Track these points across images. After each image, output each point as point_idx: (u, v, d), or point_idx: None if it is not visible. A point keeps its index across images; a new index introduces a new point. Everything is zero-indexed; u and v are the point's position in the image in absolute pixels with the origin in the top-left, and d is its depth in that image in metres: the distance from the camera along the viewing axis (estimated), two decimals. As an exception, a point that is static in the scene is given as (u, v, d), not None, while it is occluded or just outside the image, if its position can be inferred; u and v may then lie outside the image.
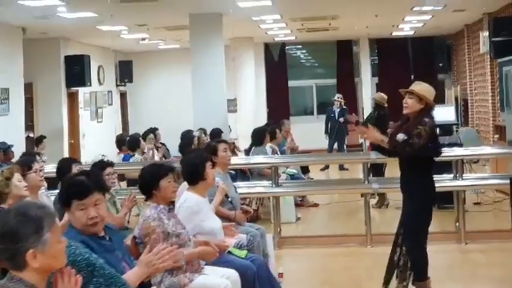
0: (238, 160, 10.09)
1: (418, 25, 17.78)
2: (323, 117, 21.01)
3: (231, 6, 12.67)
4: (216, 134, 12.65)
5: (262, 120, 18.66)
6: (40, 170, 5.75)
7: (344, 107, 16.82)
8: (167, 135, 14.48)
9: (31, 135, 15.19)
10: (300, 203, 11.81)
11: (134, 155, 10.60)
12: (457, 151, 8.95)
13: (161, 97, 20.89)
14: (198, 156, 5.84)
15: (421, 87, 6.01)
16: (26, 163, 5.65)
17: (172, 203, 5.22)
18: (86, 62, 16.26)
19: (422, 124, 5.76)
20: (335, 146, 16.84)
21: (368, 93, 20.78)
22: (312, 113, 22.47)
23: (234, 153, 12.48)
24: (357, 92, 21.69)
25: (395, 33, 19.67)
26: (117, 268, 3.60)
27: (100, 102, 18.89)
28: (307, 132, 20.63)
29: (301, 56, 23.70)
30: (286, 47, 22.04)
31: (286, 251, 8.63)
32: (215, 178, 6.06)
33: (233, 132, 17.75)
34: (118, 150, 11.35)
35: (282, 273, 6.96)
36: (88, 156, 16.16)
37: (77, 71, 16.08)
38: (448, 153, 8.15)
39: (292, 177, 11.53)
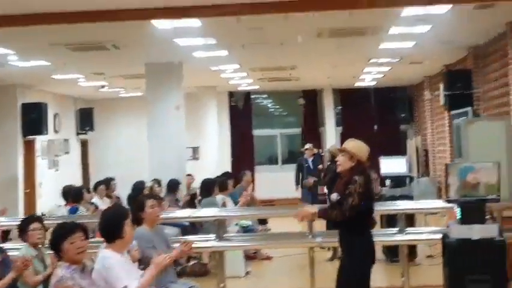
0: (183, 213, 9.91)
1: (378, 76, 17.89)
2: (288, 166, 21.03)
3: (188, 56, 12.64)
4: (173, 185, 12.50)
5: (226, 169, 18.53)
6: None
7: (320, 153, 16.55)
8: (128, 185, 14.23)
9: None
10: (253, 255, 11.64)
11: (78, 208, 10.37)
12: (396, 205, 8.89)
13: (123, 145, 20.72)
14: (117, 212, 5.62)
15: (353, 144, 5.95)
16: None
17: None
18: (43, 109, 16.09)
19: (352, 183, 5.68)
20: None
21: (332, 143, 20.76)
22: (276, 162, 22.38)
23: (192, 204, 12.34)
24: (322, 141, 21.67)
25: (358, 84, 19.77)
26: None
27: (57, 150, 18.63)
28: (272, 181, 20.59)
29: (267, 104, 23.71)
30: (252, 96, 22.05)
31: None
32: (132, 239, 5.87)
33: (196, 182, 17.58)
34: (65, 202, 11.11)
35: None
36: (44, 206, 15.91)
37: (33, 119, 15.88)
38: (388, 207, 8.09)
39: (246, 229, 11.37)
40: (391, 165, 13.08)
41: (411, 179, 14.70)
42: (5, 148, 15.95)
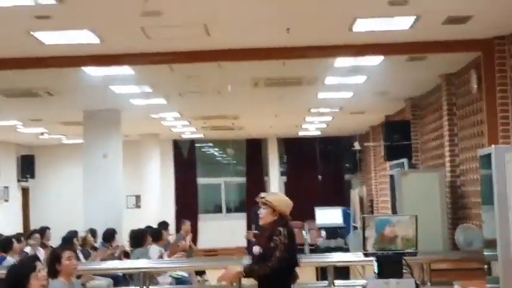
0: (111, 264, 9.69)
1: (322, 126, 17.99)
2: (233, 215, 20.93)
3: (125, 104, 12.54)
4: (109, 234, 12.22)
5: (169, 217, 18.29)
6: None
7: None
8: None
9: None
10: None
11: (6, 258, 10.04)
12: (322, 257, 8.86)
13: (64, 193, 20.31)
14: (23, 265, 5.39)
15: (275, 198, 5.87)
16: None
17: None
18: (-22, 156, 15.77)
19: (276, 234, 5.58)
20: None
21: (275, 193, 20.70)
22: (221, 211, 22.21)
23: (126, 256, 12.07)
24: (266, 191, 21.59)
25: (302, 133, 19.85)
26: None
27: (-5, 198, 18.25)
28: (216, 230, 20.45)
29: (213, 153, 23.64)
30: (196, 144, 21.97)
31: None
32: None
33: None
34: (-5, 252, 10.75)
35: None
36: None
37: (-32, 165, 15.56)
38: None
39: (178, 280, 11.15)
40: (326, 216, 13.03)
41: (349, 230, 14.68)
42: None
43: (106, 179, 13.22)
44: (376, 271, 5.95)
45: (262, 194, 5.84)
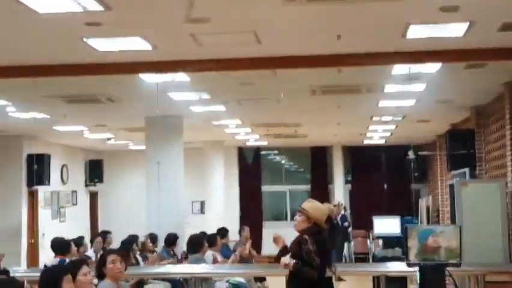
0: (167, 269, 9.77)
1: (386, 134, 17.79)
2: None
3: (186, 111, 12.67)
4: (171, 239, 12.32)
5: (233, 223, 18.40)
6: None
7: (343, 213, 16.12)
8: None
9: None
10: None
11: (65, 260, 10.26)
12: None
13: (131, 198, 20.65)
14: (56, 268, 5.53)
15: (311, 205, 5.87)
16: None
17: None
18: (46, 161, 16.22)
19: (303, 243, 5.60)
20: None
21: (340, 201, 20.56)
22: (285, 218, 22.18)
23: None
24: (330, 199, 21.47)
25: (366, 142, 19.67)
26: None
27: (63, 201, 18.70)
28: (281, 237, 20.35)
29: (276, 161, 23.65)
30: (261, 152, 22.05)
31: None
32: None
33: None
34: (54, 254, 11.01)
35: None
36: (46, 257, 15.83)
37: (37, 169, 15.99)
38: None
39: (236, 286, 11.18)
40: (384, 225, 12.87)
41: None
42: (9, 198, 16.02)
43: (167, 185, 13.35)
44: (418, 281, 5.85)
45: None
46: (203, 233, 11.78)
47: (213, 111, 12.78)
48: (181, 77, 9.43)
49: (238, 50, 7.89)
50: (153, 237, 12.68)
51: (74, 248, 10.67)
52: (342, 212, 16.26)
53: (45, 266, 11.54)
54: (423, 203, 19.19)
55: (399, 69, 9.35)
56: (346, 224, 15.63)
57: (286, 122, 15.11)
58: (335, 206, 16.31)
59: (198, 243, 10.67)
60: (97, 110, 12.25)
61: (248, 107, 12.43)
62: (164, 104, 11.93)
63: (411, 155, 17.57)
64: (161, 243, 12.47)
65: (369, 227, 14.72)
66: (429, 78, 10.01)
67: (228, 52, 7.99)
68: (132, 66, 8.36)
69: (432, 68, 9.27)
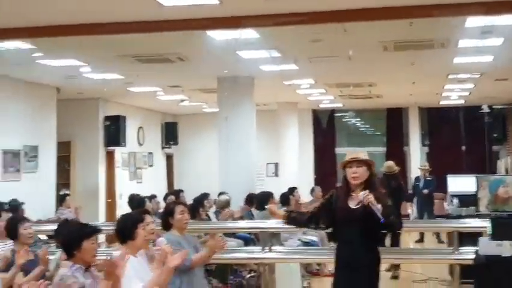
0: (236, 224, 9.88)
1: (464, 94, 17.32)
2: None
3: (257, 70, 12.63)
4: (250, 198, 12.35)
5: (307, 185, 18.37)
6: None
7: (428, 178, 15.72)
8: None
9: (67, 193, 15.29)
10: (316, 272, 11.45)
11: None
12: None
13: (206, 160, 20.83)
14: (131, 216, 5.72)
15: (364, 154, 5.78)
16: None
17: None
18: (122, 122, 16.50)
19: (382, 193, 5.49)
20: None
21: (416, 163, 20.22)
22: (360, 180, 21.94)
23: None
24: (406, 161, 21.16)
25: (443, 102, 19.23)
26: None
27: (140, 163, 19.04)
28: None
29: (351, 123, 23.42)
30: (336, 114, 21.87)
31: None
32: (162, 239, 5.87)
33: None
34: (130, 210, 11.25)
35: None
36: (123, 215, 16.20)
37: (113, 131, 16.31)
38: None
39: (307, 244, 11.21)
40: (459, 184, 12.56)
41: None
42: (88, 158, 16.40)
43: (239, 146, 13.41)
44: (489, 232, 5.68)
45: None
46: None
47: (284, 70, 12.68)
48: (250, 33, 9.37)
49: (309, 3, 7.76)
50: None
51: (148, 204, 10.93)
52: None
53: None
54: (501, 165, 18.69)
55: (474, 21, 9.03)
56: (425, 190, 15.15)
57: (360, 81, 14.90)
58: (421, 168, 15.99)
59: (267, 200, 10.72)
60: (169, 69, 12.32)
61: (319, 65, 12.28)
62: (234, 64, 11.96)
63: (485, 108, 17.06)
64: (233, 202, 12.54)
65: (446, 188, 14.40)
66: (507, 32, 9.65)
67: (299, 6, 7.87)
68: (198, 22, 8.32)
69: (509, 20, 8.92)
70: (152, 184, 19.31)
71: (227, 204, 12.24)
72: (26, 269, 6.05)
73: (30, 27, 8.55)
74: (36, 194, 13.24)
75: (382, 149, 21.51)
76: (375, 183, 5.58)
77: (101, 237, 14.61)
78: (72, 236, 4.97)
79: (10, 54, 10.28)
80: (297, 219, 6.15)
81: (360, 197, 5.38)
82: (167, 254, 5.85)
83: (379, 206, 5.31)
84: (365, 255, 5.56)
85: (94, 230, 5.03)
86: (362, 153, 5.83)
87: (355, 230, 5.56)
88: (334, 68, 12.85)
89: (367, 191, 5.41)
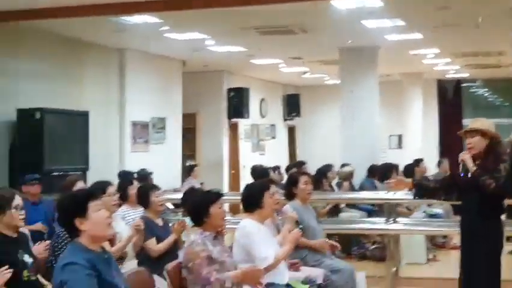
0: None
1: None
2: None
3: (381, 40, 12.46)
4: (372, 170, 12.27)
5: (431, 159, 18.03)
6: (114, 195, 6.04)
7: None
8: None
9: (193, 164, 15.70)
10: (442, 244, 11.27)
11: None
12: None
13: (328, 132, 20.79)
14: (258, 184, 5.83)
15: (481, 123, 5.60)
16: (101, 187, 5.89)
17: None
18: (245, 94, 16.70)
19: (502, 161, 5.33)
20: None
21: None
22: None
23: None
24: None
25: None
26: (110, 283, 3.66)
27: (263, 134, 19.26)
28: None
29: (478, 93, 22.69)
30: (463, 84, 21.26)
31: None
32: (287, 206, 6.00)
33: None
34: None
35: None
36: (246, 186, 16.48)
37: (237, 103, 16.55)
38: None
39: (432, 216, 11.03)
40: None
41: None
42: (212, 130, 16.75)
43: (361, 117, 13.30)
44: None
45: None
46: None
47: (409, 39, 12.42)
48: (374, 2, 9.25)
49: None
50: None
51: (272, 174, 11.10)
52: None
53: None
54: None
55: None
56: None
57: (488, 50, 14.39)
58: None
59: (390, 172, 10.63)
60: (291, 41, 12.35)
61: (445, 34, 11.96)
62: (358, 34, 11.85)
63: None
64: (356, 173, 12.50)
65: None
66: None
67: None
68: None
69: None
70: (275, 156, 19.51)
71: (350, 175, 12.23)
72: (157, 236, 6.24)
73: (158, 1, 8.80)
74: (163, 164, 13.66)
75: (511, 121, 20.74)
76: (493, 151, 5.46)
77: (226, 208, 15.10)
78: (199, 203, 5.10)
79: (139, 28, 10.62)
80: (425, 186, 6.08)
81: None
82: (294, 220, 5.99)
83: (471, 166, 5.38)
84: (481, 225, 5.48)
85: (219, 195, 5.13)
86: (479, 121, 5.70)
87: (472, 198, 5.55)
88: (460, 37, 12.48)
89: (465, 152, 5.50)
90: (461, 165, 5.59)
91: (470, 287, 5.63)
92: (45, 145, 9.96)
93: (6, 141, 10.12)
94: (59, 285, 3.55)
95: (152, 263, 5.88)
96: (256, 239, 5.34)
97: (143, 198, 6.53)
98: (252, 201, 5.59)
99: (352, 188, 11.78)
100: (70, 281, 3.51)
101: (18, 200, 4.87)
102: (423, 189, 6.07)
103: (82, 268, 3.54)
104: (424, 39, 12.48)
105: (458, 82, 21.01)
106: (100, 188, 5.85)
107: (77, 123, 10.91)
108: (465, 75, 19.41)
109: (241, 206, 5.95)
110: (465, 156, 5.49)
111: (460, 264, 5.75)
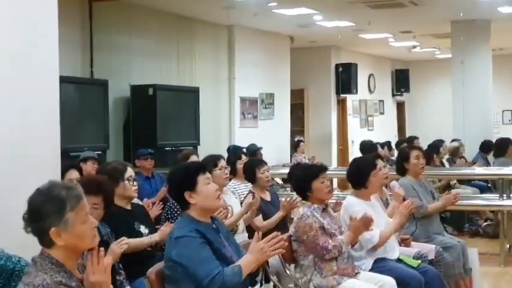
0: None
1: None
2: None
3: (494, 13, 12.08)
4: (486, 146, 11.96)
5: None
6: (225, 168, 6.07)
7: None
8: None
9: (301, 139, 15.73)
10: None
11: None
12: None
13: (438, 107, 20.34)
14: (364, 162, 5.72)
15: None
16: (213, 161, 5.96)
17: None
18: (353, 70, 16.56)
19: None
20: None
21: None
22: None
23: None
24: None
25: None
26: (220, 252, 3.72)
27: (371, 110, 19.08)
28: None
29: None
30: None
31: (510, 269, 8.09)
32: (395, 182, 5.95)
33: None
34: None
35: (486, 291, 6.61)
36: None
37: (345, 78, 16.44)
38: None
39: None
40: None
41: None
42: (321, 105, 16.72)
43: (473, 92, 13.00)
44: None
45: None
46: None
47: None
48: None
49: None
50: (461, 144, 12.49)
51: (381, 150, 11.02)
52: None
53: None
54: None
55: None
56: None
57: None
58: None
59: (504, 147, 10.32)
60: (401, 14, 12.16)
61: None
62: (470, 6, 11.52)
63: None
64: (469, 149, 12.24)
65: None
66: None
67: None
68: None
69: None
70: (383, 132, 19.26)
71: (456, 150, 11.98)
72: (264, 212, 6.26)
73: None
74: (272, 140, 13.77)
75: None
76: None
77: (334, 183, 15.09)
78: (301, 178, 5.13)
79: (248, 4, 10.71)
80: None
81: None
82: (401, 197, 5.92)
83: None
84: None
85: (321, 169, 5.12)
86: None
87: None
88: None
89: None
90: None
91: None
92: (158, 121, 10.25)
93: (121, 116, 10.48)
94: (170, 257, 3.63)
95: (262, 236, 5.91)
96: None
97: (250, 174, 6.52)
98: (357, 180, 5.54)
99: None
100: (184, 254, 3.57)
101: (130, 172, 5.02)
102: None
103: (193, 240, 3.60)
104: (539, 10, 12.02)
105: None
106: (211, 161, 5.94)
107: (188, 99, 11.16)
108: None
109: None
110: None
111: None
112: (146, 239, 4.79)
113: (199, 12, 11.70)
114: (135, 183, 5.00)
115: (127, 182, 4.92)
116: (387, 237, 5.30)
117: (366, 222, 4.94)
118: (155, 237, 4.81)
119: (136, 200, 5.38)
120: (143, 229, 4.85)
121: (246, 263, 3.63)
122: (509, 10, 11.84)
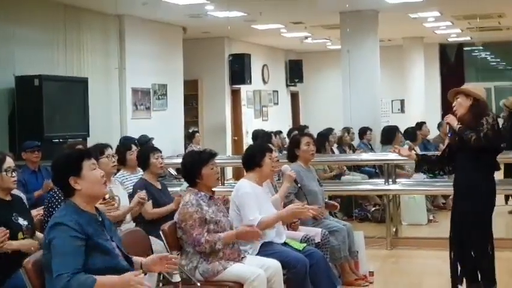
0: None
1: None
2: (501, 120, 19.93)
3: (382, 3, 12.40)
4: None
5: (434, 121, 18.03)
6: (113, 156, 6.04)
7: None
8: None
9: (196, 130, 15.69)
10: (443, 205, 11.34)
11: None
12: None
13: (330, 97, 20.72)
14: (260, 145, 5.97)
15: (467, 87, 5.74)
16: (99, 148, 5.91)
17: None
18: (246, 60, 16.63)
19: (484, 115, 5.40)
20: None
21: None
22: (490, 115, 21.27)
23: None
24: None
25: None
26: (102, 245, 3.65)
27: (265, 101, 19.25)
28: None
29: (480, 57, 22.60)
30: (465, 48, 21.15)
31: (396, 252, 8.39)
32: (286, 166, 6.07)
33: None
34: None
35: (372, 272, 6.82)
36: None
37: (238, 69, 16.51)
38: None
39: (433, 177, 11.08)
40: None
41: None
42: (215, 96, 16.72)
43: (362, 80, 13.32)
44: None
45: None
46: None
47: (408, 2, 12.36)
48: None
49: None
50: (348, 131, 12.81)
51: (274, 139, 11.16)
52: None
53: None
54: None
55: None
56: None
57: (488, 12, 14.29)
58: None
59: (391, 135, 10.66)
60: (292, 5, 12.30)
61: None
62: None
63: None
64: (357, 136, 12.58)
65: None
66: None
67: None
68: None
69: None
70: (278, 122, 19.45)
71: (341, 138, 12.37)
72: (154, 199, 6.25)
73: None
74: (166, 131, 13.68)
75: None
76: (476, 111, 5.50)
77: (229, 173, 15.16)
78: (190, 165, 5.15)
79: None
80: (429, 159, 6.18)
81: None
82: (292, 178, 6.05)
83: (455, 124, 5.54)
84: (473, 182, 5.55)
85: (211, 155, 5.16)
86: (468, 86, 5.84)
87: (462, 156, 5.64)
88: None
89: (448, 115, 5.71)
90: (447, 127, 5.83)
91: (462, 245, 5.69)
92: (44, 112, 9.95)
93: (5, 108, 10.14)
94: (46, 244, 3.55)
95: (148, 225, 5.92)
96: (247, 201, 5.37)
97: (143, 159, 6.56)
98: (252, 160, 5.66)
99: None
100: (54, 239, 3.49)
101: (9, 163, 4.88)
102: (427, 162, 6.12)
103: (68, 230, 3.51)
104: (424, 1, 12.42)
105: (460, 46, 20.91)
106: (98, 149, 5.88)
107: (76, 90, 10.90)
108: (466, 38, 19.31)
109: (244, 173, 5.99)
110: (450, 117, 5.62)
111: (450, 223, 5.82)
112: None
113: (88, 1, 11.46)
114: (14, 174, 4.87)
115: (4, 173, 4.79)
116: (268, 224, 5.37)
117: (254, 234, 4.99)
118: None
119: (17, 192, 5.26)
120: (21, 221, 4.75)
121: (107, 281, 3.50)
122: (396, 0, 12.15)
